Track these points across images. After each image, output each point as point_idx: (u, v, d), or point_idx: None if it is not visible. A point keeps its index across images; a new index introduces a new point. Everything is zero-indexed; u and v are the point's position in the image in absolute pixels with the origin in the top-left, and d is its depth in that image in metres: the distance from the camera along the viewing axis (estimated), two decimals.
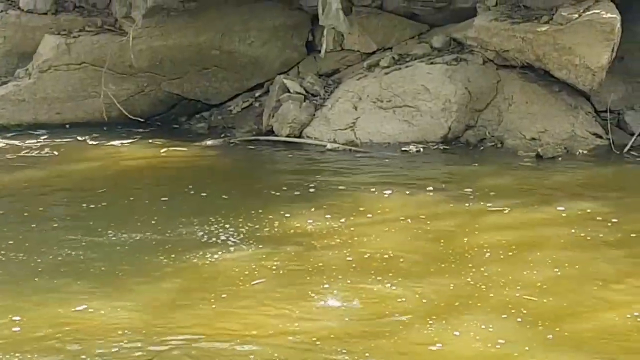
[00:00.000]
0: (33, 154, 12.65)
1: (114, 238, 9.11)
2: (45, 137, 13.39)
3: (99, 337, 7.06)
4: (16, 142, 13.14)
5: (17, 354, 6.62)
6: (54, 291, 7.82)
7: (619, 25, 11.80)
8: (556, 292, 7.56)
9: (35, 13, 14.10)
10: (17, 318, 7.26)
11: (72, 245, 8.93)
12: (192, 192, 10.73)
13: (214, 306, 7.60)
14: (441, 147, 12.38)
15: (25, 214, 10.09)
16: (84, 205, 10.40)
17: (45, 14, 14.12)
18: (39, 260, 8.53)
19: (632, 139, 12.46)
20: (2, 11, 14.07)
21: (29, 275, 8.19)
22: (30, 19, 14.03)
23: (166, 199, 10.61)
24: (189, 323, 7.23)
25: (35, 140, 13.21)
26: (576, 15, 11.96)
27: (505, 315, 6.81)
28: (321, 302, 7.38)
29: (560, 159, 12.18)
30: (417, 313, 6.98)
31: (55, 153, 12.58)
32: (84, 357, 6.72)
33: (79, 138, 13.22)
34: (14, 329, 7.09)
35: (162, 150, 12.79)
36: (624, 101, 12.75)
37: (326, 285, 7.71)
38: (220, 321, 7.37)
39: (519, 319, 6.72)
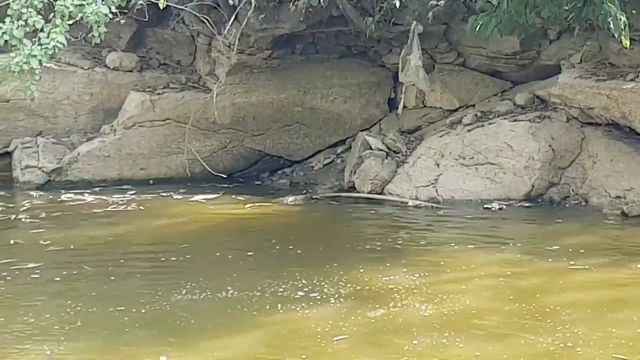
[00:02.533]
0: (120, 209, 12.85)
1: (197, 293, 9.16)
2: (131, 192, 13.60)
3: None
4: (103, 197, 13.35)
5: None
6: (139, 344, 7.91)
7: None
8: None
9: (121, 70, 14.37)
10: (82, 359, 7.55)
11: (155, 300, 9.03)
12: (274, 248, 10.81)
13: (303, 357, 7.60)
14: (524, 205, 12.31)
15: (110, 268, 10.18)
16: (169, 259, 10.51)
17: (131, 71, 14.42)
18: (121, 315, 8.64)
19: None
20: (89, 68, 14.33)
21: (113, 328, 8.29)
22: (116, 76, 14.32)
23: (250, 253, 10.66)
24: None
25: (121, 195, 13.47)
26: None
27: None
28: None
29: None
30: None
31: (141, 208, 12.82)
32: None
33: (163, 194, 13.43)
34: None
35: (246, 206, 12.82)
36: None
37: (409, 345, 7.58)
38: None
39: None
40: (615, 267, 9.90)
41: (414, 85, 13.62)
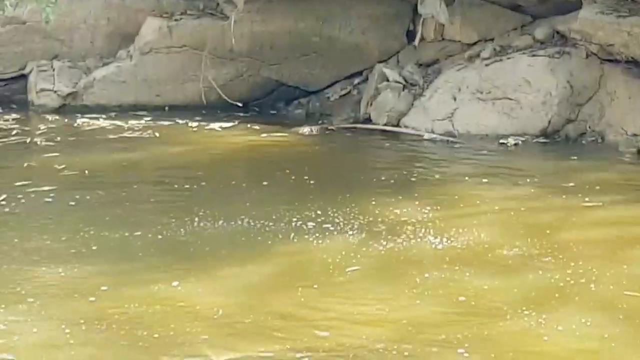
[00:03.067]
0: (135, 135, 12.87)
1: (211, 221, 9.14)
2: (147, 118, 13.60)
3: (190, 318, 7.18)
4: (119, 123, 13.39)
5: (102, 325, 6.78)
6: (152, 269, 7.96)
7: None
8: None
9: None
10: (105, 288, 7.48)
11: (169, 227, 9.01)
12: (289, 178, 10.79)
13: (308, 291, 7.56)
14: (540, 141, 12.33)
15: (124, 193, 10.25)
16: (184, 186, 10.54)
17: None
18: (135, 240, 8.68)
19: None
20: None
21: (127, 253, 8.37)
22: (134, 1, 14.32)
23: (265, 183, 10.70)
24: (282, 308, 7.26)
25: (137, 121, 13.46)
26: None
27: (606, 311, 6.71)
28: (416, 292, 7.30)
29: None
30: (513, 306, 6.88)
31: (157, 135, 12.84)
32: (172, 334, 6.86)
33: (179, 121, 13.46)
34: (99, 302, 7.23)
35: (261, 135, 12.90)
36: None
37: (421, 277, 7.63)
38: (316, 306, 7.34)
39: (621, 316, 6.61)
40: (630, 204, 9.89)
41: (432, 17, 13.48)
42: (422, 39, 13.77)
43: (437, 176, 11.14)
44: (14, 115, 13.99)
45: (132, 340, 6.95)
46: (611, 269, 7.48)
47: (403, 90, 13.19)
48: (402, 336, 6.66)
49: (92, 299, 7.54)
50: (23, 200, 10.08)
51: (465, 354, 6.39)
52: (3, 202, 10.17)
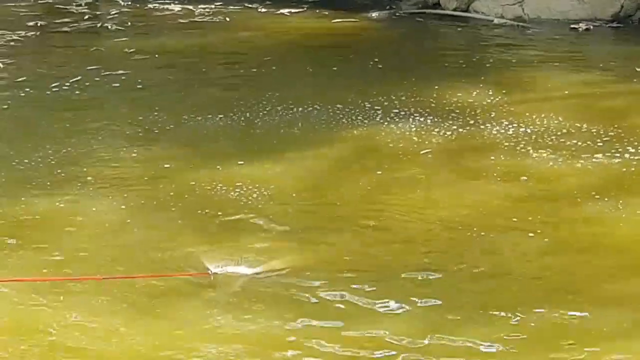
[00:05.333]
0: (205, 20, 13.01)
1: (281, 105, 9.29)
2: (217, 3, 13.59)
3: (257, 199, 7.46)
4: (189, 7, 13.49)
5: (167, 204, 7.17)
6: (222, 151, 8.30)
7: None
8: None
9: None
10: (167, 166, 7.87)
11: (238, 110, 9.21)
12: (358, 63, 10.89)
13: (379, 172, 7.73)
14: (612, 26, 12.18)
15: (193, 78, 10.50)
16: (252, 70, 10.73)
17: None
18: (205, 122, 9.02)
19: None
20: None
21: (197, 135, 8.73)
22: None
23: (334, 68, 10.74)
24: (349, 192, 7.47)
25: (207, 6, 13.51)
26: None
27: None
28: (487, 176, 7.40)
29: None
30: (584, 190, 6.96)
31: (227, 19, 12.93)
32: (231, 210, 7.24)
33: (249, 5, 13.51)
34: (168, 183, 7.58)
35: (332, 21, 12.78)
36: None
37: (492, 159, 7.65)
38: (388, 190, 7.46)
39: None
40: None
41: None
42: None
43: (506, 60, 11.10)
44: (85, 0, 14.12)
45: (194, 219, 7.36)
46: None
47: None
48: (472, 220, 6.77)
49: (159, 179, 7.87)
50: (96, 81, 10.41)
51: (537, 237, 6.47)
52: (76, 85, 10.53)
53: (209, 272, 6.66)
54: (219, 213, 7.43)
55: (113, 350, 5.70)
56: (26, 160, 8.43)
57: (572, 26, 12.08)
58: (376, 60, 11.09)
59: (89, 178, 8.10)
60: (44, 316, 5.98)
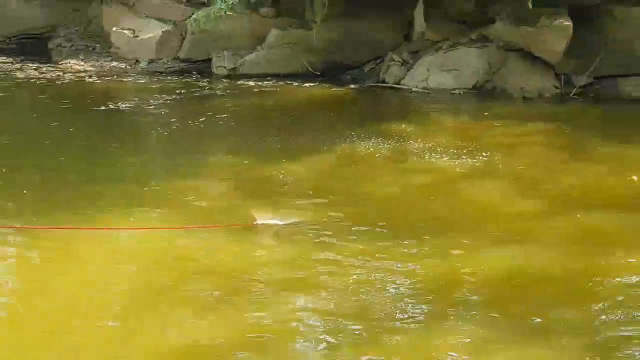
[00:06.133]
0: (267, 89, 15.97)
1: (301, 131, 12.31)
2: (272, 81, 16.69)
3: (293, 178, 10.14)
4: (259, 83, 16.40)
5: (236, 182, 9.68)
6: (272, 156, 10.94)
7: (570, 29, 15.14)
8: None
9: (266, 17, 17.08)
10: (246, 162, 10.44)
11: (280, 134, 12.19)
12: (343, 112, 14.04)
13: (356, 167, 10.63)
14: (473, 91, 15.33)
15: (260, 119, 13.72)
16: (290, 115, 13.82)
17: (271, 17, 17.07)
18: (262, 142, 11.75)
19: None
20: (250, 14, 16.91)
21: (259, 149, 11.30)
22: (263, 20, 17.33)
23: (332, 114, 13.95)
24: (342, 175, 10.24)
25: (267, 83, 16.50)
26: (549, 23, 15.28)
27: None
28: (409, 169, 10.17)
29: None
30: (458, 176, 10.16)
31: (278, 89, 15.94)
32: (277, 187, 9.73)
33: (289, 81, 16.55)
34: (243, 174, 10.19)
35: (330, 90, 15.66)
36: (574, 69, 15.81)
37: (413, 160, 10.93)
38: (362, 177, 10.21)
39: None
40: (523, 124, 12.91)
41: (418, 27, 16.80)
42: (413, 38, 17.02)
43: (420, 109, 14.39)
44: (203, 80, 16.91)
45: (258, 191, 9.64)
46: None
47: (402, 65, 16.50)
48: (402, 192, 9.68)
49: (243, 169, 10.48)
50: (210, 121, 13.21)
51: (434, 197, 9.38)
52: (201, 121, 13.11)
53: (256, 223, 8.34)
54: (270, 188, 9.74)
55: (218, 258, 7.74)
56: (181, 157, 11.16)
57: (452, 92, 15.47)
58: (353, 110, 14.67)
59: (211, 167, 10.72)
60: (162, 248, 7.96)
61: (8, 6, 18.78)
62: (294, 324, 6.39)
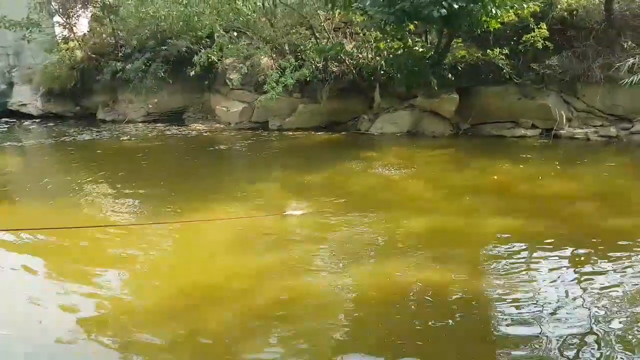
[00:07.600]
0: (290, 137, 21.03)
1: (312, 159, 16.24)
2: (294, 132, 21.78)
3: (303, 185, 13.61)
4: (284, 132, 21.37)
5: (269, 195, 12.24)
6: (296, 171, 15.09)
7: (457, 99, 20.82)
8: None
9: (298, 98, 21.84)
10: (276, 173, 13.94)
11: (298, 160, 16.52)
12: (334, 148, 18.99)
13: (349, 176, 13.80)
14: (406, 134, 20.20)
15: (286, 152, 18.30)
16: (301, 151, 18.29)
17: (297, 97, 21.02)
18: (290, 161, 16.43)
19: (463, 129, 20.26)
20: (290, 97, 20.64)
21: (288, 166, 15.79)
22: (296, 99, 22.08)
23: (331, 148, 19.16)
24: (336, 183, 13.73)
25: (293, 133, 21.57)
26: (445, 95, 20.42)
27: None
28: (373, 175, 11.51)
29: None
30: (399, 179, 11.90)
31: (296, 136, 21.20)
32: (300, 188, 12.97)
33: (305, 132, 21.52)
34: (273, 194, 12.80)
35: (332, 135, 21.00)
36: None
37: (374, 171, 12.05)
38: (351, 181, 12.73)
39: None
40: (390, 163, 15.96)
41: (377, 102, 22.50)
42: (374, 107, 22.94)
43: (375, 144, 18.96)
44: (264, 132, 21.70)
45: (288, 191, 12.73)
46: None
47: (369, 121, 22.61)
48: (373, 187, 12.13)
49: (280, 179, 14.58)
50: (268, 153, 18.20)
51: (385, 189, 11.27)
52: (264, 154, 17.70)
53: (284, 213, 11.40)
54: (300, 188, 13.91)
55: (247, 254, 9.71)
56: (255, 172, 15.33)
57: (396, 135, 20.55)
58: (343, 146, 19.88)
59: (272, 177, 15.40)
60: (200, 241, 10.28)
61: (164, 97, 26.92)
62: (312, 255, 9.32)
